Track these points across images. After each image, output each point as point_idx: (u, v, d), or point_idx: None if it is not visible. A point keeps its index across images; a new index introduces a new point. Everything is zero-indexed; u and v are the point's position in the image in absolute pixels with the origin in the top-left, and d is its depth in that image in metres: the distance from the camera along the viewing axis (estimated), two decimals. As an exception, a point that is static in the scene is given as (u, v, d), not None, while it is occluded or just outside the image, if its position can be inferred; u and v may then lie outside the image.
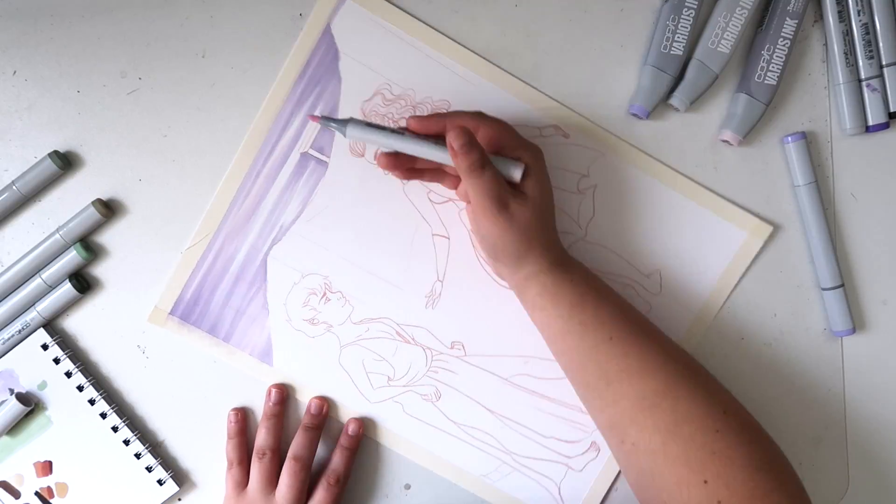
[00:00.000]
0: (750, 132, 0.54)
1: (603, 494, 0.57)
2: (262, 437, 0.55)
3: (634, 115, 0.55)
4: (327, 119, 0.50)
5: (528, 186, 0.49)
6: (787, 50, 0.53)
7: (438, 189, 0.55)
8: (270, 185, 0.55)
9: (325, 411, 0.56)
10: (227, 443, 0.56)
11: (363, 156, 0.55)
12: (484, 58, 0.55)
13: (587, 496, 0.57)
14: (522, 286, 0.51)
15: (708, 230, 0.56)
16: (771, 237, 0.56)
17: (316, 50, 0.55)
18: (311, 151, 0.55)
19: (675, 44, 0.53)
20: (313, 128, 0.55)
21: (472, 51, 0.55)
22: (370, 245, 0.56)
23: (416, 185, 0.56)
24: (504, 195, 0.48)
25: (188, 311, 0.56)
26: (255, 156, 0.55)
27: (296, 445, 0.55)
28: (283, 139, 0.55)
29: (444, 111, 0.53)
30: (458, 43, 0.55)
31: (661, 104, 0.55)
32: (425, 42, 0.55)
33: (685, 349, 0.53)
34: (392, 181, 0.55)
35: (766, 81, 0.54)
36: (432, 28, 0.54)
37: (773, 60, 0.54)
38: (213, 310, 0.56)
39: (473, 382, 0.56)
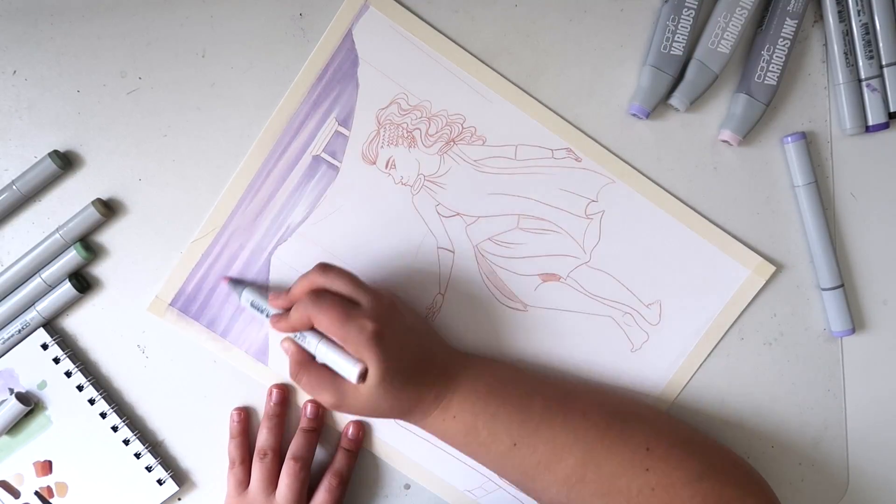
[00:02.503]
0: (750, 132, 0.54)
1: None
2: (263, 438, 0.55)
3: (634, 115, 0.55)
4: (233, 281, 0.55)
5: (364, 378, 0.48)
6: (786, 50, 0.53)
7: (448, 203, 0.56)
8: (280, 185, 0.55)
9: (321, 414, 0.57)
10: (230, 442, 0.56)
11: (374, 163, 0.55)
12: (503, 76, 0.55)
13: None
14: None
15: (712, 265, 0.56)
16: (774, 241, 0.56)
17: (336, 54, 0.54)
18: (324, 155, 0.55)
19: (675, 44, 0.53)
20: (327, 131, 0.55)
21: (492, 68, 0.55)
22: (375, 253, 0.56)
23: (425, 197, 0.56)
24: (327, 388, 0.49)
25: (188, 303, 0.56)
26: (267, 155, 0.55)
27: (295, 446, 0.55)
28: (296, 140, 0.55)
29: (295, 285, 0.51)
30: (480, 59, 0.55)
31: (661, 104, 0.55)
32: (445, 55, 0.54)
33: (599, 392, 0.54)
34: (402, 192, 0.55)
35: (765, 81, 0.54)
36: (454, 42, 0.54)
37: (772, 60, 0.54)
38: (213, 305, 0.56)
39: None
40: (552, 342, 0.56)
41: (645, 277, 0.56)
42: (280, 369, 0.57)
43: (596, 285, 0.56)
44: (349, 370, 0.48)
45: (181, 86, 0.55)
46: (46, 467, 0.56)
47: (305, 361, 0.50)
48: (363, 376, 0.48)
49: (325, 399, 0.49)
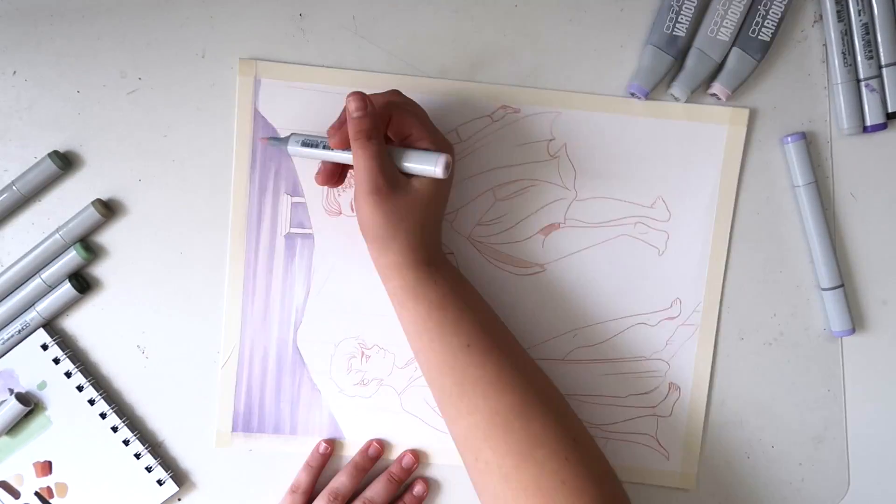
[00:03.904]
0: (739, 87, 0.54)
1: (700, 429, 0.57)
2: (341, 481, 0.55)
3: (633, 94, 0.54)
4: (274, 139, 0.53)
5: (419, 181, 0.48)
6: (783, 6, 0.53)
7: None
8: (270, 276, 0.56)
9: (415, 467, 0.57)
10: (304, 467, 0.56)
11: (340, 212, 0.56)
12: (407, 74, 0.55)
13: (685, 436, 0.57)
14: (385, 274, 0.50)
15: (689, 139, 0.56)
16: (769, 229, 0.56)
17: (255, 136, 0.55)
18: (294, 230, 0.56)
19: (677, 24, 0.53)
20: (287, 208, 0.55)
21: (394, 73, 0.55)
22: (384, 290, 0.55)
23: None
24: (381, 177, 0.46)
25: (248, 421, 0.57)
26: (245, 253, 0.56)
27: (373, 490, 0.55)
28: (262, 229, 0.56)
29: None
30: (379, 72, 0.55)
31: (659, 95, 0.55)
32: (347, 85, 0.55)
33: (540, 368, 0.53)
34: None
35: (759, 37, 0.54)
36: (348, 69, 0.55)
37: (768, 16, 0.53)
38: (270, 410, 0.57)
39: None
40: (584, 285, 0.56)
41: (634, 182, 0.56)
42: (358, 436, 0.57)
43: (595, 213, 0.56)
44: (435, 158, 0.47)
45: (181, 86, 0.55)
46: (46, 468, 0.56)
47: (381, 130, 0.47)
48: (448, 167, 0.47)
49: (373, 173, 0.46)
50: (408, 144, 0.49)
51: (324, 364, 0.57)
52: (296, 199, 0.56)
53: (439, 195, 0.49)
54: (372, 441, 0.56)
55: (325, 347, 0.56)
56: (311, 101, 0.55)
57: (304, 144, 0.51)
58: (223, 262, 0.56)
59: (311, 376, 0.57)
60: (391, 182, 0.47)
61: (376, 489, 0.55)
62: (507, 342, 0.51)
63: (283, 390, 0.57)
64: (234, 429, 0.57)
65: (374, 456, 0.56)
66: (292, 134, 0.52)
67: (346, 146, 0.48)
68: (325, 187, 0.55)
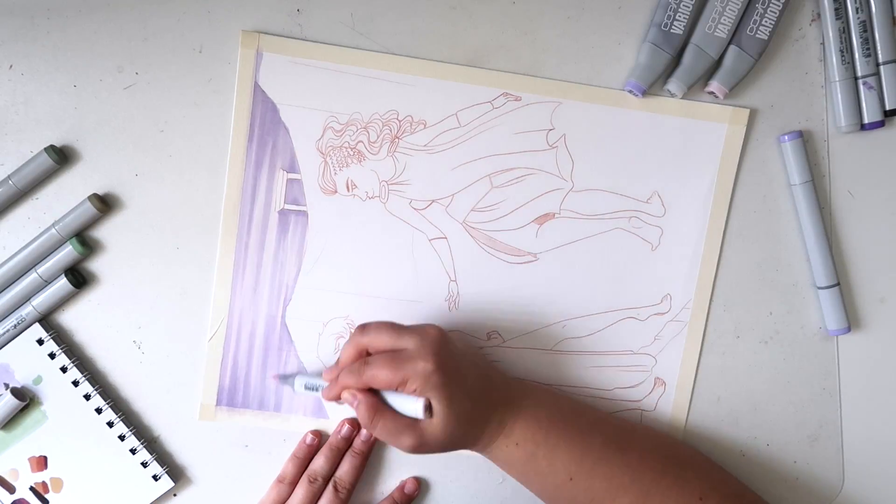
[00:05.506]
0: (737, 85, 0.54)
1: (682, 425, 0.57)
2: (319, 464, 0.55)
3: (630, 91, 0.54)
4: (282, 376, 0.55)
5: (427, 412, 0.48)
6: (781, 5, 0.53)
7: (419, 195, 0.56)
8: (262, 251, 0.56)
9: (373, 440, 0.56)
10: (290, 459, 0.56)
11: (336, 192, 0.56)
12: (408, 55, 0.55)
13: (667, 430, 0.57)
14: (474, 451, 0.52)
15: (688, 135, 0.56)
16: (766, 221, 0.56)
17: (254, 110, 0.55)
18: (288, 206, 0.56)
19: (675, 22, 0.53)
20: (282, 184, 0.55)
21: (394, 53, 0.54)
22: (376, 272, 0.56)
23: (396, 200, 0.56)
24: (404, 432, 0.48)
25: (232, 396, 0.57)
26: (238, 227, 0.55)
27: (342, 471, 0.55)
28: (256, 204, 0.55)
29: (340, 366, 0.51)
30: (382, 52, 0.54)
31: (656, 83, 0.55)
32: (350, 63, 0.55)
33: (655, 434, 0.54)
34: (373, 206, 0.56)
35: (757, 35, 0.54)
36: (351, 48, 0.54)
37: (766, 14, 0.53)
38: (255, 386, 0.57)
39: (522, 364, 0.57)
40: (575, 276, 0.57)
41: (631, 177, 0.56)
42: (341, 416, 0.57)
43: (590, 205, 0.56)
44: (414, 406, 0.48)
45: (178, 81, 0.55)
46: (42, 463, 0.56)
47: (380, 406, 0.49)
48: (429, 409, 0.48)
49: (405, 442, 0.48)
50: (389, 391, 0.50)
51: (311, 342, 0.56)
52: (292, 176, 0.55)
53: (455, 402, 0.48)
54: (344, 421, 0.56)
55: (313, 326, 0.56)
56: (312, 77, 0.54)
57: (307, 388, 0.53)
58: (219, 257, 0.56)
59: (298, 354, 0.56)
60: (412, 428, 0.48)
61: (344, 468, 0.55)
62: (614, 446, 0.51)
63: (270, 367, 0.56)
64: (218, 402, 0.56)
65: (347, 436, 0.56)
66: (297, 374, 0.54)
67: (337, 401, 0.51)
68: (323, 165, 0.55)
